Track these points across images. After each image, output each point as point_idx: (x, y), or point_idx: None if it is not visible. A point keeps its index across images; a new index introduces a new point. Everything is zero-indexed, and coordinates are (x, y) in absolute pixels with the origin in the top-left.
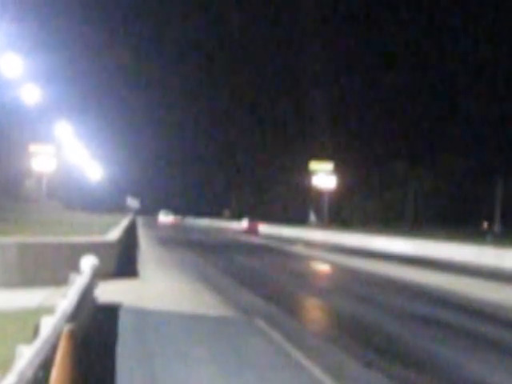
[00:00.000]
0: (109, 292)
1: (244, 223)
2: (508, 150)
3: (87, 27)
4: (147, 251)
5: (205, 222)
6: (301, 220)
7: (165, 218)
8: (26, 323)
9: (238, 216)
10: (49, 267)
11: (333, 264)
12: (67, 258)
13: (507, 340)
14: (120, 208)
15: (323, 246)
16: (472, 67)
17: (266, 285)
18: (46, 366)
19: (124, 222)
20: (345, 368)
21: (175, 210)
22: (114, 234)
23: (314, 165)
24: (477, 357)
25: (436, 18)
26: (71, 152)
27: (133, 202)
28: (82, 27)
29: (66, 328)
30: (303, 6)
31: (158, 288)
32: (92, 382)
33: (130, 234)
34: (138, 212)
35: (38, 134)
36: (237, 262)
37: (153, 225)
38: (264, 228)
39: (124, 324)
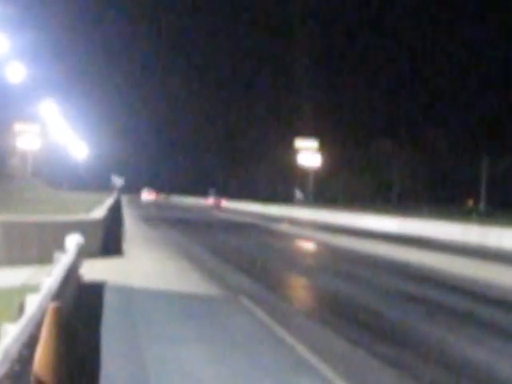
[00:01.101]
0: (94, 270)
1: (210, 199)
2: (493, 128)
3: (73, 4)
4: (132, 229)
5: (190, 201)
6: (287, 198)
7: (147, 195)
8: (11, 302)
9: (222, 194)
10: (34, 246)
11: (318, 242)
12: (52, 237)
13: (492, 316)
14: (105, 186)
15: (309, 225)
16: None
17: (250, 263)
18: (30, 343)
19: (109, 201)
20: (330, 346)
21: (161, 189)
22: (99, 212)
23: (299, 142)
24: (461, 333)
25: None
26: (56, 131)
27: (117, 181)
28: (68, 4)
29: (51, 306)
30: None
31: (143, 266)
32: (77, 360)
33: (115, 212)
34: (123, 190)
35: (23, 113)
36: (221, 240)
37: (137, 203)
38: (253, 207)
39: (109, 302)
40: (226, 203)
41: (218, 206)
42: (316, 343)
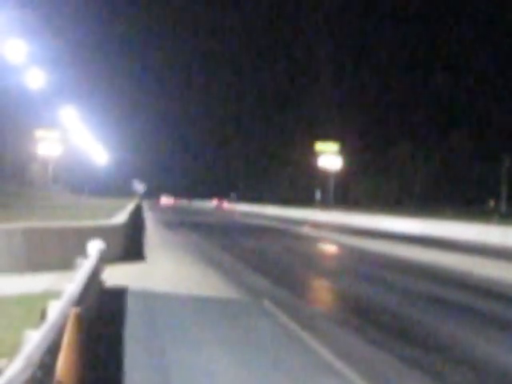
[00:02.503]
0: (116, 276)
1: (214, 202)
2: None
3: (92, 11)
4: (153, 234)
5: (211, 205)
6: (308, 201)
7: (166, 200)
8: (33, 308)
9: (244, 198)
10: (55, 252)
11: (339, 244)
12: (74, 243)
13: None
14: (126, 192)
15: (330, 227)
16: (479, 45)
17: (272, 266)
18: (53, 350)
19: (130, 206)
20: (353, 348)
21: (181, 194)
22: (121, 217)
23: (320, 146)
24: (484, 335)
25: None
26: (77, 136)
27: (139, 187)
28: (86, 11)
29: (73, 312)
30: None
31: (165, 271)
32: (99, 366)
33: (137, 217)
34: (144, 196)
35: (44, 119)
36: (242, 244)
37: (158, 208)
38: (272, 210)
39: (131, 307)
40: (227, 205)
41: (220, 208)
42: (339, 346)
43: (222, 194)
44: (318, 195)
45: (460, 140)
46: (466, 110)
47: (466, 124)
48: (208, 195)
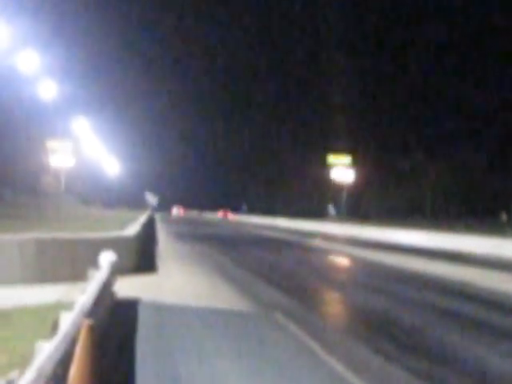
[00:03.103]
0: (127, 287)
1: (219, 213)
2: None
3: (104, 22)
4: (165, 245)
5: (233, 218)
6: (320, 214)
7: (177, 212)
8: (45, 319)
9: (255, 210)
10: (67, 263)
11: (351, 257)
12: (86, 254)
13: None
14: (139, 204)
15: (342, 240)
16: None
17: (283, 278)
18: (65, 361)
19: (142, 218)
20: (365, 361)
21: (193, 206)
22: (133, 229)
23: (331, 158)
24: (498, 350)
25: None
26: (89, 147)
27: (151, 199)
28: (99, 22)
29: (85, 323)
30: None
31: (177, 283)
32: (111, 378)
33: (149, 229)
34: (157, 208)
35: (56, 130)
36: (253, 256)
37: (170, 220)
38: (283, 222)
39: (143, 319)
40: (232, 216)
41: (225, 218)
42: (351, 358)
43: (233, 206)
44: (331, 210)
45: (472, 153)
46: (479, 122)
47: (479, 137)
48: (219, 207)
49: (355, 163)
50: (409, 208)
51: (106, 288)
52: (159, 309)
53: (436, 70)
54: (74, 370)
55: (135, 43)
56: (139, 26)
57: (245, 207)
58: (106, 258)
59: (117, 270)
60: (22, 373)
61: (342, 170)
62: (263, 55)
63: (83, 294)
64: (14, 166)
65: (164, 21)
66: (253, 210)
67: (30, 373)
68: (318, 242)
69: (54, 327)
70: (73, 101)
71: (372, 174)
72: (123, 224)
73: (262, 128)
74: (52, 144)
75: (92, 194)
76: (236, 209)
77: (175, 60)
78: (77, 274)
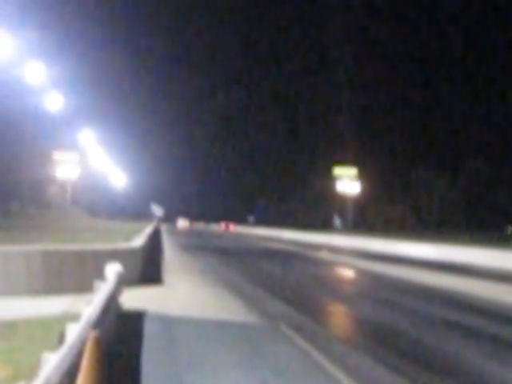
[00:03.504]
0: (133, 299)
1: (222, 225)
2: None
3: (111, 35)
4: (171, 257)
5: (234, 229)
6: (325, 225)
7: (182, 223)
8: (51, 330)
9: (261, 222)
10: (73, 274)
11: (357, 269)
12: (92, 265)
13: None
14: (144, 215)
15: (348, 252)
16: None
17: (289, 289)
18: (71, 372)
19: (148, 229)
20: (370, 373)
21: (198, 217)
22: (139, 240)
23: (337, 170)
24: (504, 362)
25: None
26: (95, 159)
27: (157, 210)
28: (105, 35)
29: (92, 335)
30: (334, 12)
31: (183, 294)
32: None
33: (155, 240)
34: (162, 219)
35: (62, 141)
36: (259, 268)
37: (175, 231)
38: (289, 234)
39: (149, 331)
40: (233, 228)
41: (227, 230)
42: (357, 371)
43: (240, 218)
44: (337, 222)
45: (478, 166)
46: (483, 135)
47: (484, 150)
48: (225, 218)
49: (361, 175)
50: (414, 220)
51: (112, 299)
52: (165, 320)
53: (444, 84)
54: (81, 382)
55: (142, 55)
56: (145, 38)
57: (252, 219)
58: (113, 270)
59: (123, 282)
60: None
61: (347, 182)
62: (272, 68)
63: (89, 306)
64: (20, 178)
65: (171, 32)
66: (260, 221)
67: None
68: (323, 254)
69: (61, 339)
70: (79, 112)
71: (378, 186)
72: (129, 235)
73: (269, 140)
74: (58, 156)
75: (98, 205)
76: (243, 220)
77: (183, 71)
78: (83, 286)
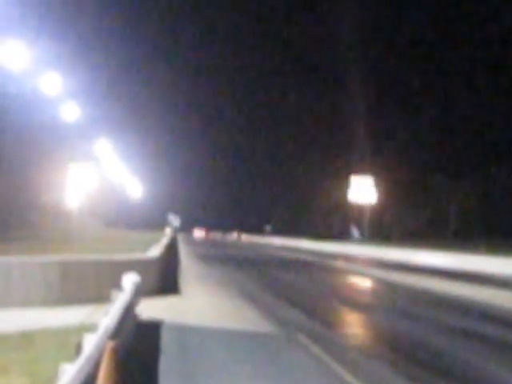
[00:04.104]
0: (151, 309)
1: (234, 235)
2: None
3: (127, 44)
4: (188, 267)
5: (245, 238)
6: (342, 235)
7: (198, 233)
8: (69, 341)
9: (278, 231)
10: (91, 285)
11: (373, 278)
12: (109, 276)
13: None
14: (161, 225)
15: (364, 262)
16: None
17: (305, 299)
18: (88, 383)
19: (165, 239)
20: (388, 383)
21: (217, 227)
22: (156, 251)
23: (354, 179)
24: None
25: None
26: (112, 169)
27: (174, 220)
28: (121, 44)
29: (109, 345)
30: (344, 25)
31: (200, 304)
32: None
33: (171, 250)
34: (179, 229)
35: (78, 152)
36: (276, 277)
37: (192, 241)
38: (306, 243)
39: (166, 341)
40: (244, 237)
41: (238, 239)
42: (374, 380)
43: (257, 228)
44: (354, 233)
45: (495, 173)
46: (504, 142)
47: (505, 157)
48: (241, 228)
49: (378, 184)
50: (431, 229)
51: (129, 310)
52: (182, 330)
53: (463, 92)
54: None
55: (158, 64)
56: (162, 47)
57: (269, 228)
58: (130, 280)
59: (140, 292)
60: None
61: (364, 190)
62: (285, 76)
63: (106, 316)
64: (38, 189)
65: (185, 40)
66: (277, 231)
67: None
68: (340, 264)
69: (78, 349)
70: (95, 123)
71: (394, 195)
72: (146, 246)
73: (285, 149)
74: (75, 166)
75: (115, 215)
76: (260, 230)
77: (202, 82)
78: (100, 296)
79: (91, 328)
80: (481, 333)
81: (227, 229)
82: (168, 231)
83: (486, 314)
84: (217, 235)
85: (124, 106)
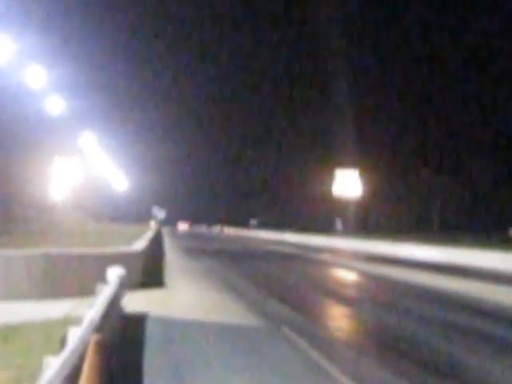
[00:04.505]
0: (135, 302)
1: (217, 228)
2: None
3: (112, 37)
4: (173, 260)
5: (231, 232)
6: (328, 228)
7: (183, 226)
8: (53, 334)
9: (264, 225)
10: (75, 278)
11: (359, 271)
12: (94, 269)
13: None
14: (146, 218)
15: (350, 255)
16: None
17: (290, 292)
18: (73, 376)
19: (150, 232)
20: (372, 375)
21: (202, 220)
22: (140, 244)
23: (339, 172)
24: (504, 363)
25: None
26: (96, 163)
27: (159, 213)
28: (106, 37)
29: (94, 338)
30: (328, 20)
31: (184, 297)
32: None
33: (156, 243)
34: (164, 222)
35: (63, 145)
36: (261, 270)
37: (176, 234)
38: (292, 237)
39: (151, 333)
40: (230, 231)
41: (221, 232)
42: (358, 373)
43: (243, 221)
44: (338, 225)
45: (479, 167)
46: (486, 135)
47: (486, 151)
48: (227, 222)
49: (363, 177)
50: (416, 222)
51: (114, 303)
52: (167, 323)
53: (447, 85)
54: None
55: (143, 57)
56: (147, 40)
57: (254, 222)
58: (114, 273)
59: (125, 285)
60: None
61: (349, 184)
62: (271, 70)
63: (91, 309)
64: (21, 182)
65: (171, 34)
66: (263, 224)
67: None
68: (325, 257)
69: (63, 342)
70: (80, 116)
71: (380, 188)
72: (131, 239)
73: (270, 143)
74: (60, 159)
75: (100, 209)
76: (245, 223)
77: (183, 73)
78: (85, 289)
79: (76, 321)
80: (465, 325)
81: (212, 222)
82: (153, 224)
83: (471, 307)
84: (202, 228)
85: (109, 99)
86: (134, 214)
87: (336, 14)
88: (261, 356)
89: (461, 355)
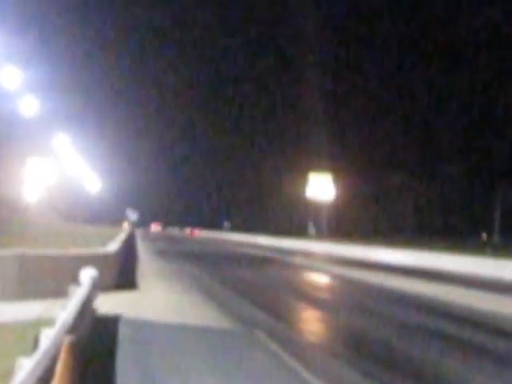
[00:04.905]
0: (108, 304)
1: (187, 230)
2: (508, 161)
3: (86, 39)
4: (146, 262)
5: (203, 234)
6: (301, 232)
7: (155, 228)
8: (26, 335)
9: (237, 228)
10: (48, 279)
11: (332, 275)
12: (67, 270)
13: (508, 350)
14: (119, 220)
15: (323, 258)
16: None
17: (263, 295)
18: (46, 377)
19: (123, 234)
20: (343, 378)
21: (175, 222)
22: (113, 245)
23: (312, 176)
24: (475, 366)
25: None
26: (70, 164)
27: (132, 215)
28: (80, 39)
29: (66, 340)
30: (303, 20)
31: (158, 299)
32: None
33: (129, 245)
34: (137, 224)
35: (37, 146)
36: (235, 274)
37: (149, 236)
38: (265, 240)
39: (123, 335)
40: (198, 232)
41: (192, 234)
42: (330, 376)
43: (216, 223)
44: (311, 229)
45: (452, 172)
46: (458, 141)
47: (460, 156)
48: (199, 224)
49: (336, 181)
50: (389, 226)
51: (87, 304)
52: (140, 325)
53: (422, 92)
54: None
55: (118, 58)
56: (122, 40)
57: (227, 224)
58: (87, 275)
59: (98, 287)
60: None
61: (322, 187)
62: (245, 72)
63: (64, 311)
64: None
65: (146, 32)
66: (236, 227)
67: None
68: (298, 260)
69: (35, 344)
70: (54, 117)
71: (353, 192)
72: (104, 240)
73: (243, 146)
74: (33, 160)
75: (73, 210)
76: (218, 226)
77: (156, 75)
78: (58, 291)
79: (49, 322)
80: (437, 329)
81: (185, 224)
82: (126, 226)
83: (442, 311)
84: (174, 231)
85: (84, 101)
86: (107, 215)
87: (311, 14)
88: (233, 359)
89: (427, 357)
